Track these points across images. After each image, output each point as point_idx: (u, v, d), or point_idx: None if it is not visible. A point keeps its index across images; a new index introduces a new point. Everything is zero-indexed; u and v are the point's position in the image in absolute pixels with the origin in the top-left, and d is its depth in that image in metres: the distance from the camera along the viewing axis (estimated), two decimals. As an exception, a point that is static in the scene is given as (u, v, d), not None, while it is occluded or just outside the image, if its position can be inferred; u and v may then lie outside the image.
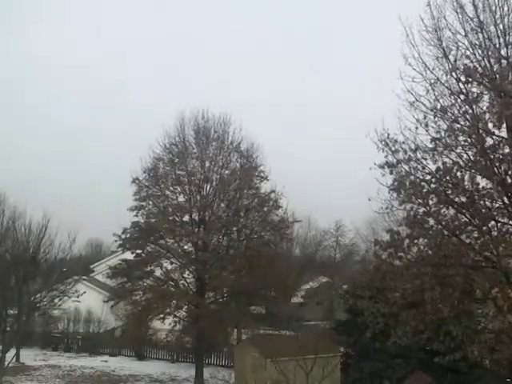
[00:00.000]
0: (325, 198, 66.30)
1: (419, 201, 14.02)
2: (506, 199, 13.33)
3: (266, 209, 30.20)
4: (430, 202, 14.07)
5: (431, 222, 14.12)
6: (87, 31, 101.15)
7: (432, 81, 14.09)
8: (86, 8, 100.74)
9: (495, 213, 13.59)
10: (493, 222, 13.63)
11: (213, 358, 32.69)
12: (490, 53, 13.66)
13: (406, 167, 14.12)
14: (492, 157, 13.32)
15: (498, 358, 15.80)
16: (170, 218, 29.12)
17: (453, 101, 14.00)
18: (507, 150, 13.35)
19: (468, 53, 13.84)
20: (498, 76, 13.47)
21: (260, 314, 37.50)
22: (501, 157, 13.34)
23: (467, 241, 13.84)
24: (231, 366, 28.44)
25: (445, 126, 13.92)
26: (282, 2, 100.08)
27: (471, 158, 13.67)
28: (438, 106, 14.03)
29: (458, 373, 20.06)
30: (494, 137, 13.35)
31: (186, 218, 29.46)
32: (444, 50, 13.98)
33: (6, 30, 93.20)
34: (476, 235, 13.78)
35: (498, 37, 13.53)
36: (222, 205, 29.89)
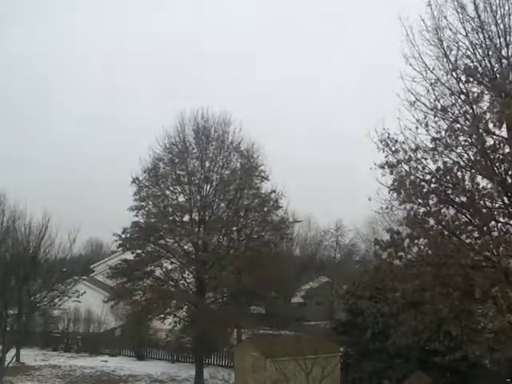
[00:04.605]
0: (325, 198, 66.44)
1: (419, 201, 14.03)
2: (506, 199, 13.33)
3: (266, 209, 30.16)
4: (430, 202, 14.08)
5: (431, 221, 14.12)
6: (87, 34, 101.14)
7: (432, 81, 14.14)
8: (81, 11, 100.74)
9: (495, 213, 13.59)
10: (493, 222, 13.62)
11: (213, 358, 32.60)
12: (490, 53, 13.69)
13: (406, 167, 14.14)
14: (492, 157, 13.32)
15: (498, 357, 15.83)
16: (170, 218, 29.09)
17: (453, 101, 14.04)
18: (507, 150, 13.35)
19: (468, 53, 13.88)
20: (498, 76, 13.47)
21: (260, 313, 37.51)
22: (501, 157, 13.35)
23: (467, 241, 13.84)
24: (231, 366, 28.39)
25: (445, 126, 13.97)
26: (282, 2, 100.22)
27: (471, 157, 13.69)
28: (439, 106, 14.06)
29: (458, 373, 20.06)
30: (495, 137, 13.36)
31: (186, 217, 29.42)
32: (444, 49, 14.02)
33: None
34: (476, 235, 13.79)
35: (499, 37, 13.55)
36: (222, 205, 29.86)
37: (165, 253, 29.36)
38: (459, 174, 13.76)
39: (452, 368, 19.68)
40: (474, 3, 13.63)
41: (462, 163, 13.77)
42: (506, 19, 13.43)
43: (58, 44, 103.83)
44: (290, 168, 53.91)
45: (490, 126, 13.15)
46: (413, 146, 14.06)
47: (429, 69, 14.10)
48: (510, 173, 13.38)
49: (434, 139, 13.92)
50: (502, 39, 13.50)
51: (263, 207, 30.15)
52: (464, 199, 13.81)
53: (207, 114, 29.82)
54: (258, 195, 30.25)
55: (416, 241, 14.22)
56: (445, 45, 13.97)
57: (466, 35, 13.83)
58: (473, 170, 13.61)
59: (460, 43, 13.86)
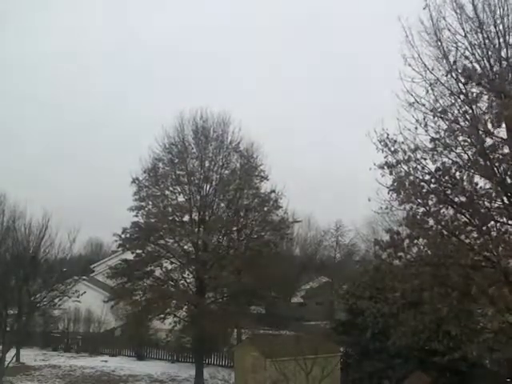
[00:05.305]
0: (325, 198, 66.47)
1: (419, 201, 14.03)
2: (505, 199, 13.35)
3: (266, 209, 30.18)
4: (430, 202, 14.09)
5: (431, 222, 14.12)
6: (87, 33, 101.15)
7: (431, 81, 14.12)
8: (81, 11, 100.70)
9: (494, 213, 13.60)
10: (492, 222, 13.64)
11: (213, 358, 32.64)
12: (489, 53, 13.68)
13: (406, 167, 14.13)
14: (491, 157, 13.33)
15: (498, 357, 15.85)
16: (170, 218, 29.11)
17: (452, 101, 14.03)
18: (506, 151, 13.36)
19: (468, 53, 13.87)
20: (497, 77, 13.47)
21: (260, 313, 37.54)
22: (500, 157, 13.36)
23: (467, 241, 13.85)
24: (231, 366, 28.42)
25: (444, 127, 13.96)
26: (281, 2, 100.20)
27: (471, 158, 13.68)
28: (438, 107, 14.05)
29: (458, 373, 20.09)
30: (494, 137, 13.36)
31: (186, 217, 29.44)
32: (444, 50, 14.01)
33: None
34: (475, 235, 13.79)
35: (498, 37, 13.54)
36: (222, 205, 29.88)
37: (165, 253, 29.38)
38: (458, 174, 13.78)
39: (452, 368, 19.71)
40: (473, 4, 13.62)
41: (461, 163, 13.77)
42: (505, 19, 13.42)
43: (57, 44, 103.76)
44: (289, 168, 54.00)
45: (489, 126, 13.16)
46: (412, 147, 14.05)
47: (428, 69, 14.11)
48: (509, 173, 13.39)
49: (433, 139, 13.92)
50: (501, 40, 13.48)
51: (263, 207, 30.17)
52: (463, 199, 13.81)
53: (206, 113, 29.88)
54: (258, 195, 30.27)
55: (415, 241, 14.22)
56: (444, 45, 13.96)
57: (465, 36, 13.82)
58: (472, 170, 13.61)
59: (459, 44, 13.85)
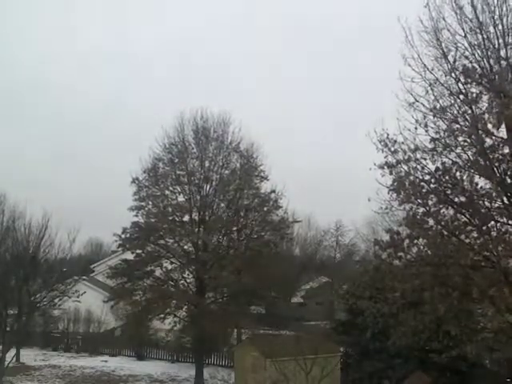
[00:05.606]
0: (325, 197, 66.46)
1: (419, 201, 14.05)
2: (505, 199, 13.36)
3: (266, 209, 30.16)
4: (430, 202, 14.10)
5: (431, 222, 14.14)
6: (87, 33, 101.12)
7: (431, 81, 14.14)
8: (81, 11, 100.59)
9: (494, 213, 13.61)
10: (492, 222, 13.64)
11: (213, 358, 32.62)
12: (489, 53, 13.69)
13: (406, 167, 14.15)
14: (491, 157, 13.34)
15: (498, 357, 15.87)
16: (170, 218, 29.10)
17: (452, 101, 14.05)
18: (506, 151, 13.37)
19: (467, 53, 13.89)
20: (497, 76, 13.48)
21: (260, 313, 37.55)
22: (500, 157, 13.38)
23: (467, 241, 13.86)
24: (231, 366, 28.43)
25: (444, 127, 13.98)
26: (282, 2, 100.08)
27: (470, 158, 13.70)
28: (438, 107, 14.07)
29: (458, 372, 20.09)
30: (494, 137, 13.37)
31: (186, 217, 29.43)
32: (443, 50, 14.03)
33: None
34: (475, 235, 13.81)
35: (498, 37, 13.55)
36: (222, 205, 29.87)
37: (165, 253, 29.36)
38: (458, 174, 13.79)
39: (452, 368, 19.72)
40: (472, 5, 13.64)
41: (461, 163, 13.79)
42: (504, 20, 13.44)
43: (58, 44, 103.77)
44: (289, 168, 53.98)
45: (489, 126, 13.17)
46: (412, 147, 14.08)
47: (428, 69, 14.13)
48: (509, 173, 13.42)
49: (433, 139, 13.94)
50: (500, 40, 13.50)
51: (263, 207, 30.16)
52: (463, 199, 13.83)
53: (206, 114, 29.83)
54: (258, 195, 30.25)
55: (415, 241, 14.24)
56: (443, 45, 13.98)
57: (465, 36, 13.84)
58: (472, 170, 13.62)
59: (459, 44, 13.87)
